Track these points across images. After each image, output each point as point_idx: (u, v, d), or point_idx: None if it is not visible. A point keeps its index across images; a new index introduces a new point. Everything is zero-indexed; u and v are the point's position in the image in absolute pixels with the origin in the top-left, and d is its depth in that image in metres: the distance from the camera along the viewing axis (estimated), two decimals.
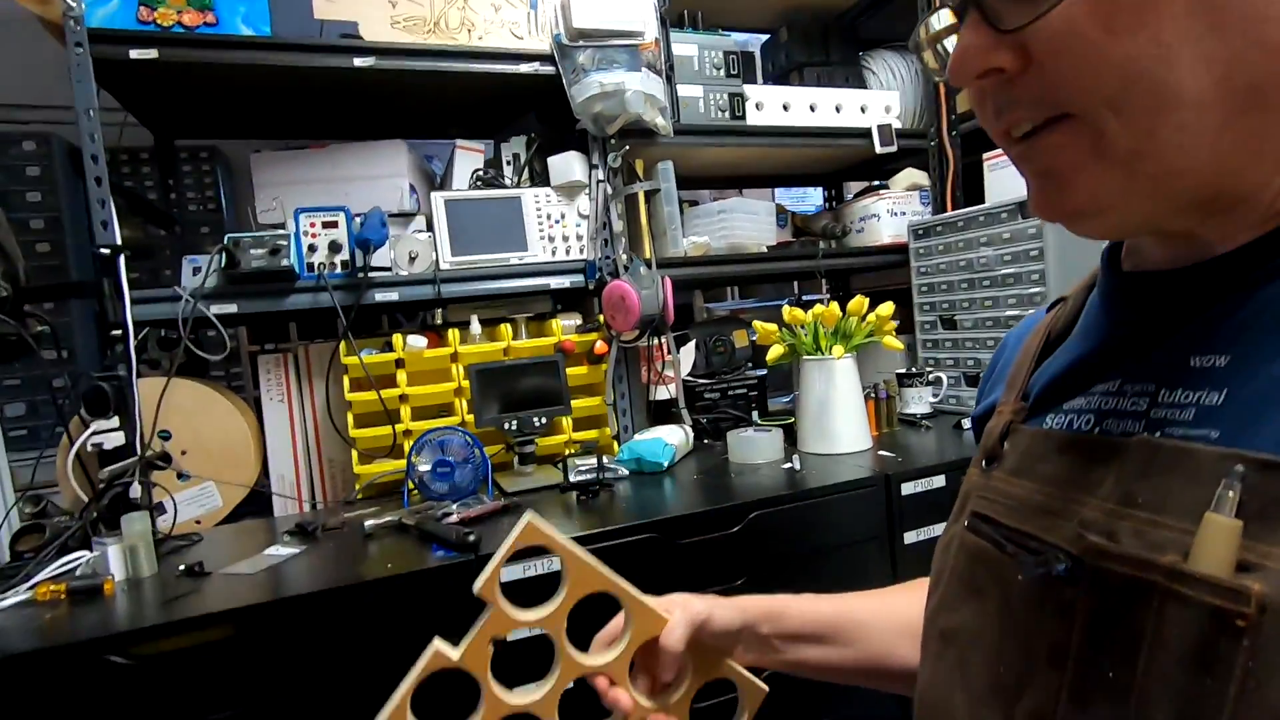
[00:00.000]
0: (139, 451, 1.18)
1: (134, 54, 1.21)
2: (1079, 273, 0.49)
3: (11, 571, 1.02)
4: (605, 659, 0.56)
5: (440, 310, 1.60)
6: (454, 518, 1.13)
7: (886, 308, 1.46)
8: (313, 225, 1.35)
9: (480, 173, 1.60)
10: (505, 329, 1.50)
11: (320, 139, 1.58)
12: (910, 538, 1.25)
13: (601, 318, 1.51)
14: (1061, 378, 0.44)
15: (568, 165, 1.53)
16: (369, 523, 1.16)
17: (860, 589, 0.65)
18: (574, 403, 1.48)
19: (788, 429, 1.52)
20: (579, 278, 1.54)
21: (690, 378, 1.71)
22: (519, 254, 1.50)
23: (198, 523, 1.32)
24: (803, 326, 1.46)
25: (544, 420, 1.42)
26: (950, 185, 1.84)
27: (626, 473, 1.39)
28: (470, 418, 1.40)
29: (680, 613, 0.56)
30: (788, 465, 1.35)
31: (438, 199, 1.45)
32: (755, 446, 1.41)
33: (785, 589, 0.63)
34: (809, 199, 2.73)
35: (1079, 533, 0.36)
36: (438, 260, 1.45)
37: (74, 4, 1.16)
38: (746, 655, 0.60)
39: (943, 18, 0.39)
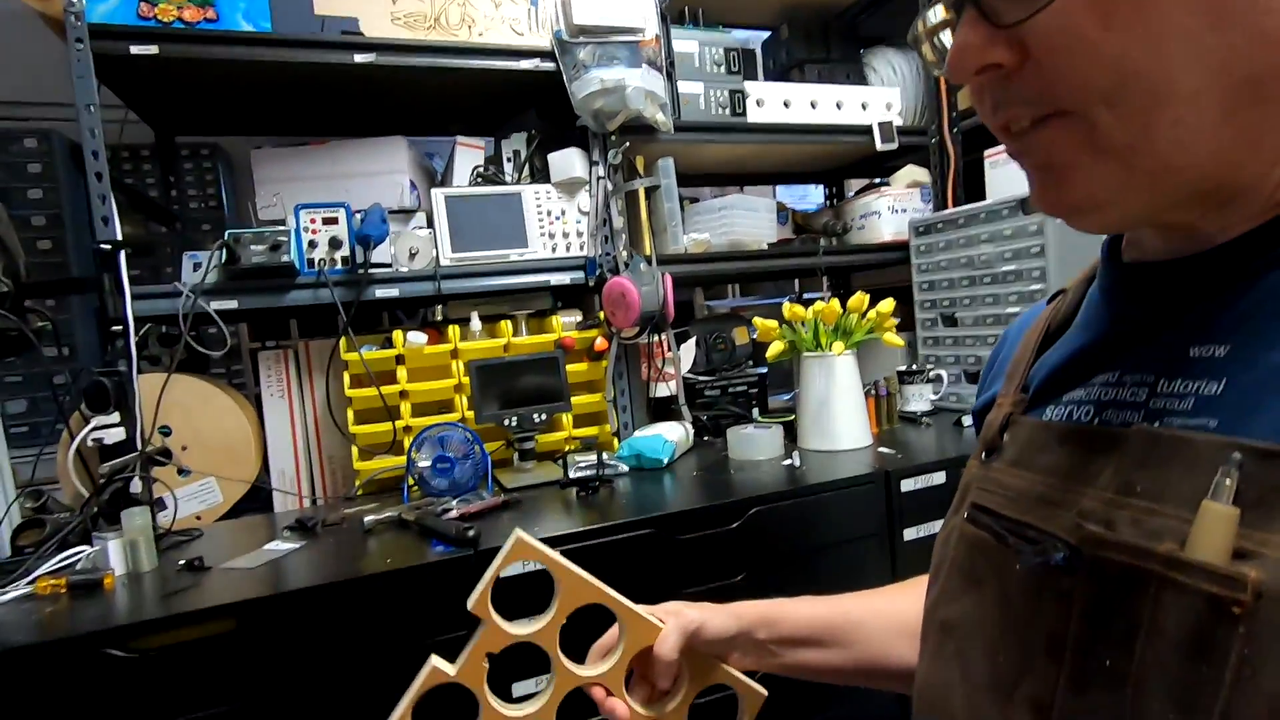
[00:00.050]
0: (139, 447, 1.18)
1: (134, 50, 1.21)
2: (1080, 269, 0.49)
3: (12, 566, 1.02)
4: (600, 670, 0.57)
5: (440, 306, 1.61)
6: (454, 513, 1.14)
7: (887, 305, 1.46)
8: (313, 221, 1.35)
9: (480, 169, 1.60)
10: (505, 325, 1.50)
11: (321, 135, 1.58)
12: (910, 534, 1.25)
13: (602, 314, 1.51)
14: (1061, 369, 0.44)
15: (568, 162, 1.53)
16: (369, 518, 1.16)
17: (860, 585, 0.65)
18: (574, 399, 1.48)
19: (788, 426, 1.52)
20: (579, 274, 1.54)
21: (690, 374, 1.71)
22: (519, 250, 1.50)
23: (198, 518, 1.32)
24: (803, 323, 1.46)
25: (544, 416, 1.42)
26: (951, 182, 1.84)
27: (626, 469, 1.39)
28: (470, 414, 1.40)
29: (673, 621, 0.57)
30: (788, 462, 1.35)
31: (438, 195, 1.45)
32: (755, 443, 1.41)
33: (785, 585, 0.63)
34: (810, 196, 2.73)
35: (1077, 522, 0.36)
36: (438, 256, 1.45)
37: (74, 0, 1.16)
38: (744, 660, 0.60)
39: (939, 12, 0.39)
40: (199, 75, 1.36)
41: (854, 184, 2.28)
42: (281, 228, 1.31)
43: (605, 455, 1.39)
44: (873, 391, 1.59)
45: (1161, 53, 0.30)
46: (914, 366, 1.69)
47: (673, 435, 1.45)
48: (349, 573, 0.96)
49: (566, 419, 1.50)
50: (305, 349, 1.46)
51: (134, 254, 1.28)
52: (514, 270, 1.49)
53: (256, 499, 1.40)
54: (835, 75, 1.86)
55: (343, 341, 1.36)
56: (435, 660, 0.54)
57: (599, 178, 1.54)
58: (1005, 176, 1.65)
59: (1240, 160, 0.32)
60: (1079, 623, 0.35)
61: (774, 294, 2.64)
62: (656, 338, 1.58)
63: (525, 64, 1.46)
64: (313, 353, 1.46)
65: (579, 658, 0.59)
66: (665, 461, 1.40)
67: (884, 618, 0.61)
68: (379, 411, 1.38)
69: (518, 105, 1.71)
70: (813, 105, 1.74)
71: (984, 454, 0.47)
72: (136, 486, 1.16)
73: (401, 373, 1.40)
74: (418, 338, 1.40)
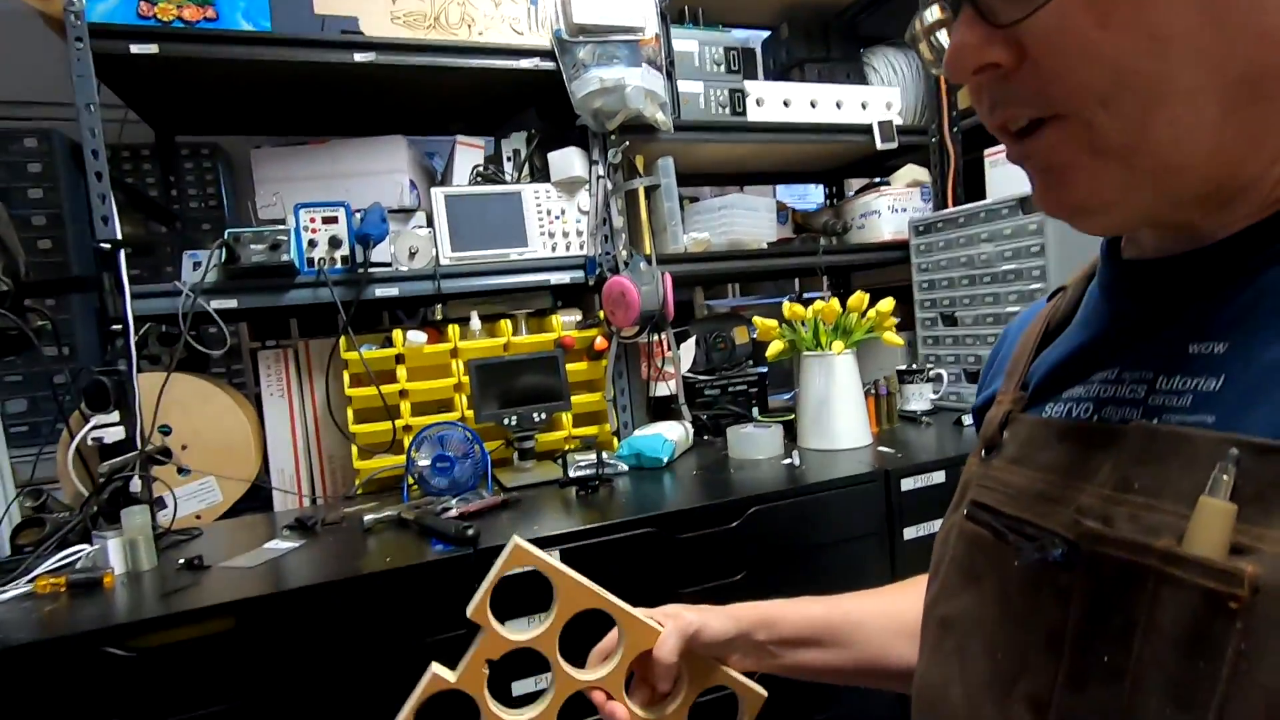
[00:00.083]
0: (139, 446, 1.18)
1: (134, 49, 1.21)
2: (1080, 268, 0.49)
3: (12, 565, 1.02)
4: (599, 674, 0.58)
5: (440, 306, 1.60)
6: (453, 512, 1.14)
7: (887, 304, 1.46)
8: (313, 220, 1.35)
9: (480, 168, 1.60)
10: (505, 325, 1.50)
11: (321, 135, 1.58)
12: (910, 533, 1.25)
13: (602, 314, 1.51)
14: (1061, 366, 0.44)
15: (568, 161, 1.52)
16: (368, 517, 1.16)
17: (859, 585, 0.66)
18: (574, 398, 1.48)
19: (788, 425, 1.52)
20: (579, 273, 1.54)
21: (690, 374, 1.71)
22: (519, 250, 1.50)
23: (198, 517, 1.32)
24: (803, 323, 1.46)
25: (544, 416, 1.42)
26: (951, 181, 1.84)
27: (626, 468, 1.39)
28: (470, 413, 1.40)
29: (672, 624, 0.57)
30: (787, 461, 1.35)
31: (438, 194, 1.45)
32: (755, 442, 1.41)
33: (784, 584, 0.63)
34: (810, 196, 2.73)
35: (1075, 519, 0.36)
36: (438, 256, 1.45)
37: None
38: (744, 661, 0.60)
39: (936, 11, 0.39)
40: (199, 74, 1.36)
41: (854, 183, 2.28)
42: (281, 227, 1.31)
43: (605, 454, 1.39)
44: (873, 391, 1.59)
45: (1159, 52, 0.30)
46: (914, 366, 1.69)
47: (672, 434, 1.45)
48: (348, 571, 0.96)
49: (566, 418, 1.50)
50: (305, 348, 1.46)
51: (134, 253, 1.28)
52: (514, 269, 1.49)
53: (256, 498, 1.40)
54: (835, 74, 1.86)
55: (342, 341, 1.36)
56: (436, 667, 0.55)
57: (599, 177, 1.54)
58: (1005, 176, 1.65)
59: (1241, 158, 0.32)
60: (1077, 619, 0.35)
61: (774, 293, 2.64)
62: (656, 337, 1.58)
63: (525, 63, 1.46)
64: (312, 352, 1.46)
65: (579, 658, 0.59)
66: (665, 461, 1.40)
67: (883, 618, 0.61)
68: (379, 411, 1.38)
69: (517, 104, 1.71)
70: (813, 104, 1.74)
71: (984, 451, 0.47)
72: (136, 485, 1.16)
73: (401, 372, 1.40)
74: (417, 337, 1.40)
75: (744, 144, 1.71)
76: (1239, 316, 0.34)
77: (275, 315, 1.78)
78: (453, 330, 1.44)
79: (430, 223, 1.48)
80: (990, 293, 1.56)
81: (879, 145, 1.79)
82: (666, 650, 0.56)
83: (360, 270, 1.35)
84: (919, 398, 1.65)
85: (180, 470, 1.29)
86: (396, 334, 1.40)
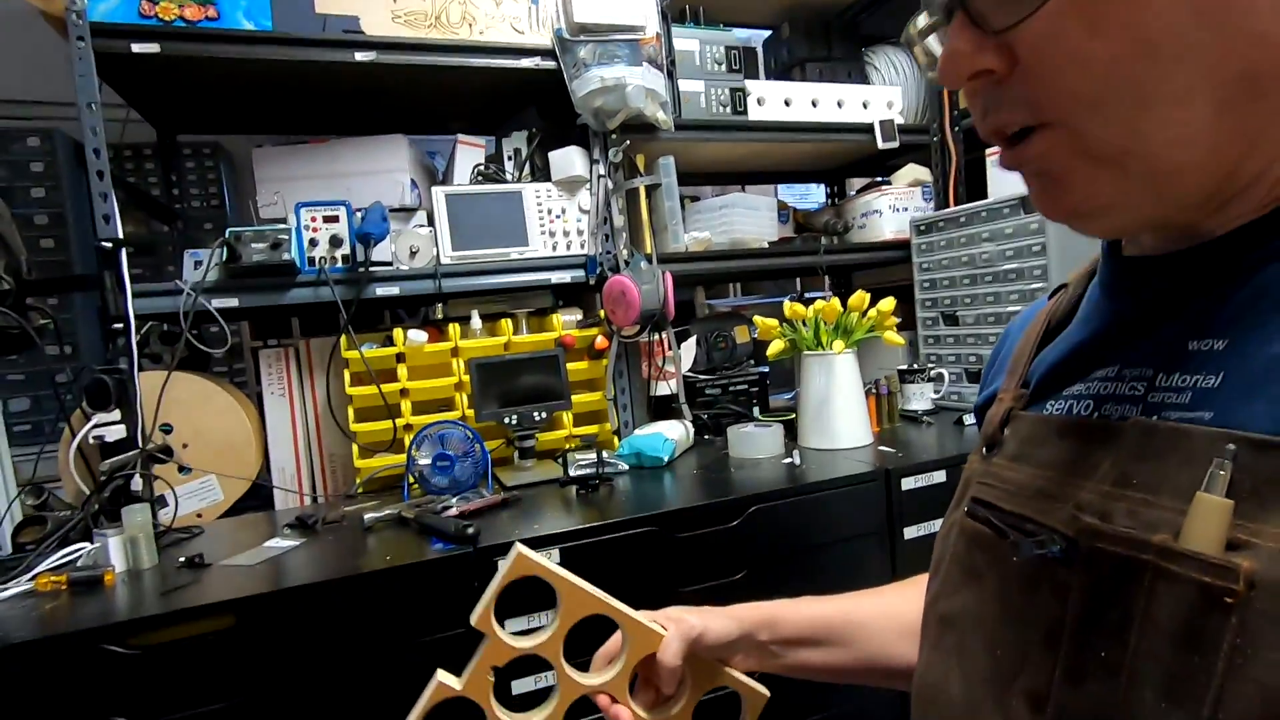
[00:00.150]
0: (140, 445, 1.18)
1: (136, 48, 1.21)
2: (1081, 266, 0.49)
3: (13, 563, 1.02)
4: (604, 678, 0.58)
5: (441, 305, 1.61)
6: (453, 511, 1.14)
7: (888, 303, 1.46)
8: (314, 219, 1.35)
9: (481, 167, 1.60)
10: (506, 324, 1.50)
11: (322, 134, 1.59)
12: (910, 533, 1.25)
13: (602, 313, 1.51)
14: (1062, 364, 0.44)
15: (569, 160, 1.53)
16: (369, 516, 1.16)
17: (860, 584, 0.66)
18: (574, 398, 1.48)
19: (788, 424, 1.52)
20: (580, 273, 1.54)
21: (691, 373, 1.71)
22: (520, 249, 1.50)
23: (199, 516, 1.32)
24: (804, 322, 1.46)
25: (544, 415, 1.42)
26: (953, 181, 1.84)
27: (626, 467, 1.39)
28: (470, 412, 1.40)
29: (675, 628, 0.57)
30: (788, 460, 1.35)
31: (439, 194, 1.45)
32: (756, 442, 1.41)
33: (785, 583, 0.63)
34: (811, 195, 2.73)
35: (1074, 514, 0.36)
36: (438, 255, 1.45)
37: None
38: (746, 661, 0.61)
39: (929, 16, 0.39)
40: (200, 73, 1.36)
41: (855, 182, 2.28)
42: (282, 226, 1.31)
43: (605, 453, 1.39)
44: (873, 390, 1.59)
45: (1150, 55, 0.30)
46: (915, 365, 1.69)
47: (673, 434, 1.45)
48: (349, 570, 0.97)
49: (567, 417, 1.50)
50: (306, 347, 1.46)
51: (135, 252, 1.29)
52: (514, 268, 1.49)
53: (257, 497, 1.40)
54: (836, 74, 1.86)
55: (343, 340, 1.37)
56: (441, 675, 0.55)
57: (599, 176, 1.54)
58: (1006, 175, 1.63)
59: (1239, 157, 0.32)
60: (1075, 614, 0.35)
61: (775, 293, 2.64)
62: (657, 336, 1.58)
63: (526, 62, 1.47)
64: (313, 351, 1.46)
65: (583, 658, 0.59)
66: (665, 460, 1.40)
67: (884, 617, 0.61)
68: (379, 409, 1.38)
69: (518, 103, 1.71)
70: (814, 104, 1.74)
71: (985, 449, 0.47)
72: (137, 484, 1.16)
73: (402, 371, 1.40)
74: (418, 336, 1.40)
75: (745, 143, 1.71)
76: (1238, 313, 0.34)
77: (276, 314, 1.79)
78: (453, 329, 1.45)
79: (431, 222, 1.48)
80: (991, 292, 1.56)
81: (880, 144, 1.79)
82: (670, 654, 0.56)
83: (361, 269, 1.35)
84: (920, 397, 1.65)
85: (181, 469, 1.30)
86: (397, 333, 1.40)
